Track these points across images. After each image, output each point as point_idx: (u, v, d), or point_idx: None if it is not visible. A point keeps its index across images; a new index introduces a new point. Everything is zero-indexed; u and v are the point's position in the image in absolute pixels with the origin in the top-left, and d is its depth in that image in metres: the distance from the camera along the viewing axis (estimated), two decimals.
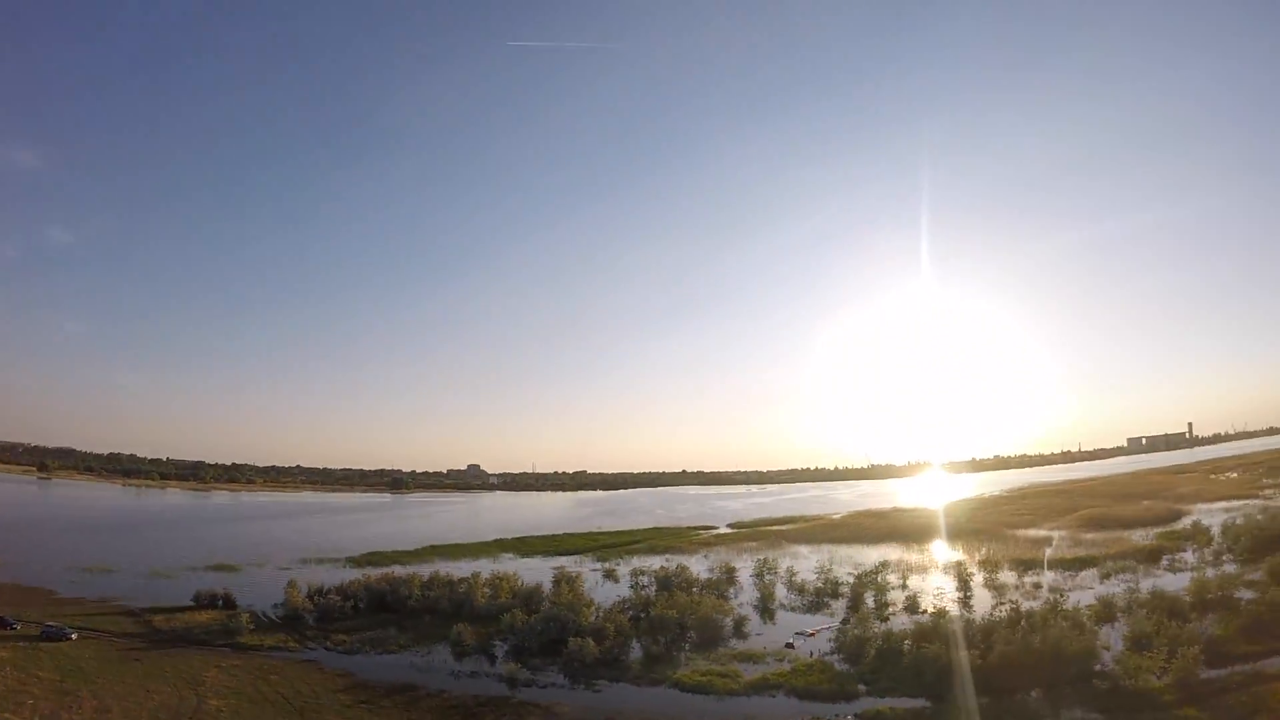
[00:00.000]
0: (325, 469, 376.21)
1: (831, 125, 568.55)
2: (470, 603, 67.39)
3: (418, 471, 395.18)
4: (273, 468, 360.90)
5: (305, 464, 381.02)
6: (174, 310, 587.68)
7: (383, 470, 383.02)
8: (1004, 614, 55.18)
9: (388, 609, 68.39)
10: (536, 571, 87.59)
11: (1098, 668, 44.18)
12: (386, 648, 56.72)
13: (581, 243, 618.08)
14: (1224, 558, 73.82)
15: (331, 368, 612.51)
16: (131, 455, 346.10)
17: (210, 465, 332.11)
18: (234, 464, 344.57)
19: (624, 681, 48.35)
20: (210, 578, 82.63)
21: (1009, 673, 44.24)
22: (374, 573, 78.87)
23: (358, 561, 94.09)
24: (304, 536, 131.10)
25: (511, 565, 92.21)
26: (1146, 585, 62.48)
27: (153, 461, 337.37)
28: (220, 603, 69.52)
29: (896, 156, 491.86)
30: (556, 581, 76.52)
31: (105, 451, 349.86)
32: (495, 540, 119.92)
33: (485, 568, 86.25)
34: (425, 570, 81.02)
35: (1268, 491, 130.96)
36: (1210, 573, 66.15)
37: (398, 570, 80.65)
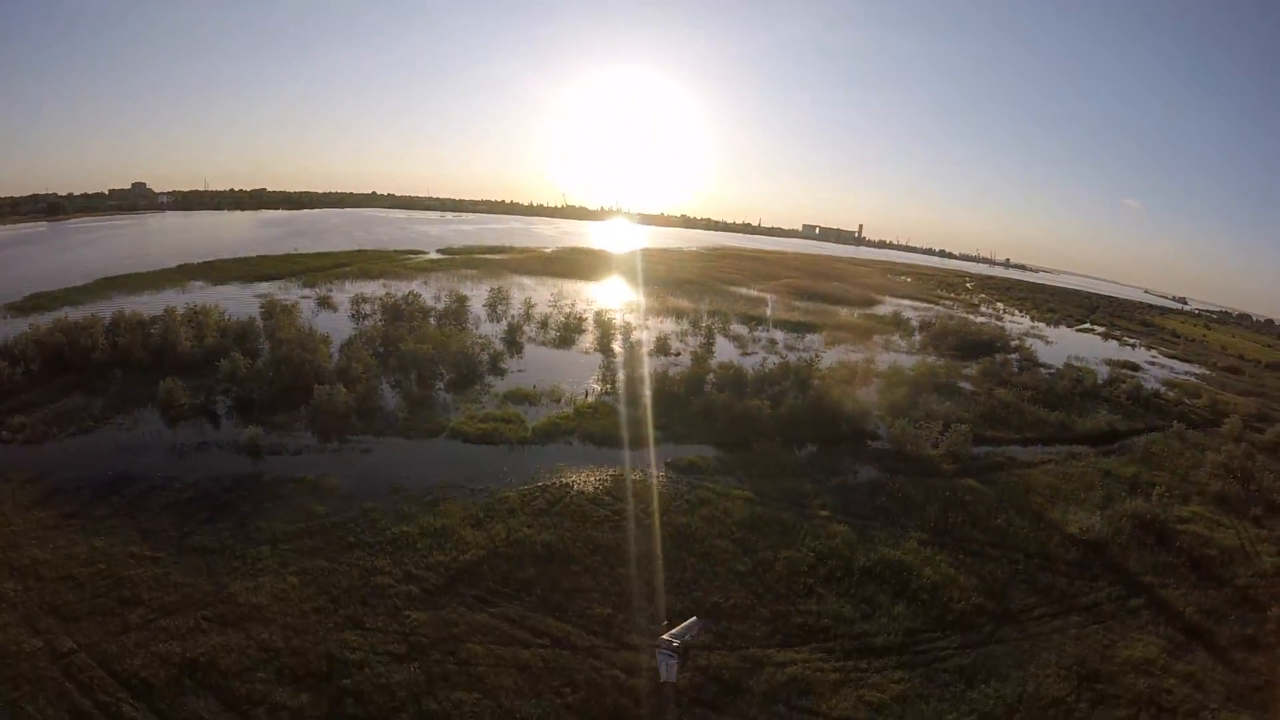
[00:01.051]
0: None
1: None
2: (172, 348, 51.94)
3: (75, 194, 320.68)
4: None
5: None
6: None
7: (36, 196, 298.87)
8: (774, 367, 56.20)
9: (68, 368, 50.05)
10: (238, 302, 73.87)
11: (871, 430, 46.43)
12: (81, 425, 39.97)
13: None
14: (929, 349, 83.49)
15: None
16: None
17: None
18: None
19: (392, 435, 39.57)
20: None
21: (796, 427, 45.04)
22: (42, 321, 58.34)
23: (20, 308, 71.37)
24: None
25: (206, 295, 75.44)
26: (881, 360, 67.83)
27: None
28: None
29: None
30: (268, 313, 64.99)
31: None
32: (179, 266, 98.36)
33: (176, 300, 68.82)
34: (105, 310, 61.44)
35: (945, 301, 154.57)
36: (930, 360, 74.07)
37: (70, 314, 59.38)
